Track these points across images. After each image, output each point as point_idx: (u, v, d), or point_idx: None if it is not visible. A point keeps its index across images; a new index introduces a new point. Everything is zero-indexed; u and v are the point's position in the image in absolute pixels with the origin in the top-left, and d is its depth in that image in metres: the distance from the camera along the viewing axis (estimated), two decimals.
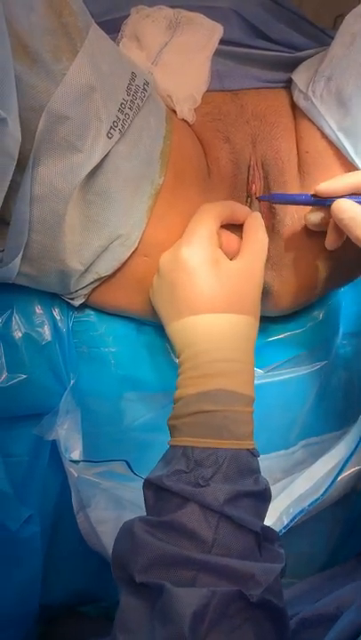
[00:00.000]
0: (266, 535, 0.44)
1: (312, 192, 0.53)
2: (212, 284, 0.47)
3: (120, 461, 0.59)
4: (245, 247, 0.49)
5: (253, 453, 0.46)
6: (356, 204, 0.49)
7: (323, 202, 0.51)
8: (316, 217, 0.53)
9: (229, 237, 0.51)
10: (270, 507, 0.63)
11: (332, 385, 0.69)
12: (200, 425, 0.44)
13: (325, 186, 0.51)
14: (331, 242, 0.54)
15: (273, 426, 0.68)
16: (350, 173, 0.52)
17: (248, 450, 0.45)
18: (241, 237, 0.53)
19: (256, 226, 0.50)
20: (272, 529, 0.45)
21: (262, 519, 0.45)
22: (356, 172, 0.52)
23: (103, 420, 0.61)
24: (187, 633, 0.37)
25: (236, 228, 0.54)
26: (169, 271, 0.49)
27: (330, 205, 0.50)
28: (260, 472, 0.46)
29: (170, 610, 0.39)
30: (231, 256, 0.51)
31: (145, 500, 0.45)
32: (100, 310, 0.59)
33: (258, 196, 0.56)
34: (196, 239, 0.48)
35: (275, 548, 0.44)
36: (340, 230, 0.53)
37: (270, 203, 0.55)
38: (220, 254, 0.48)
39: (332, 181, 0.51)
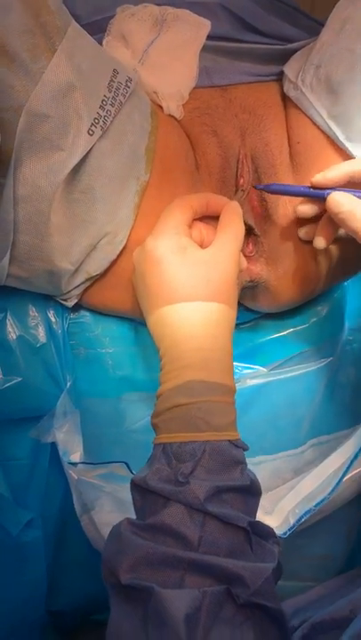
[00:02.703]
0: (257, 531, 0.42)
1: (308, 184, 0.51)
2: (178, 273, 0.45)
3: (120, 463, 0.58)
4: (218, 235, 0.48)
5: (237, 444, 0.44)
6: (353, 197, 0.48)
7: (321, 194, 0.50)
8: (307, 208, 0.52)
9: (206, 228, 0.50)
10: (277, 507, 0.62)
11: (340, 381, 0.67)
12: (176, 420, 0.43)
13: (321, 176, 0.49)
14: (321, 240, 0.52)
15: (280, 425, 0.67)
16: (345, 162, 0.50)
17: (229, 441, 0.43)
18: None
19: (230, 214, 0.49)
20: (264, 524, 0.43)
21: (251, 514, 0.43)
22: (350, 160, 0.51)
23: (103, 422, 0.61)
24: (183, 638, 0.36)
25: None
26: (139, 264, 0.48)
27: (325, 198, 0.49)
28: (245, 463, 0.44)
29: (162, 614, 0.37)
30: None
31: (133, 502, 0.44)
32: (96, 311, 0.59)
33: (253, 184, 0.54)
34: (161, 229, 0.47)
35: (268, 545, 0.42)
36: (332, 227, 0.51)
37: (266, 192, 0.54)
38: (189, 243, 0.47)
39: (327, 171, 0.49)
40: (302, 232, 0.55)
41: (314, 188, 0.50)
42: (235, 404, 0.46)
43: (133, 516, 0.45)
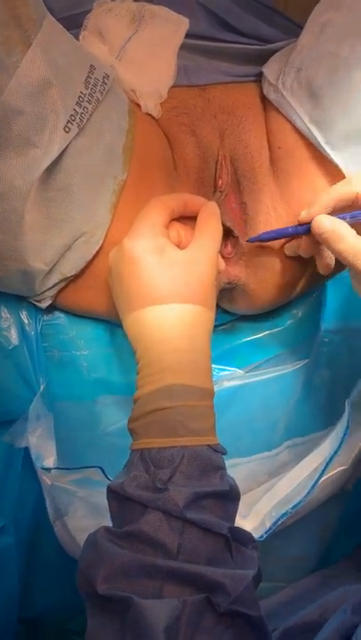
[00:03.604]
0: (237, 537, 0.41)
1: (290, 194, 0.53)
2: (155, 274, 0.45)
3: (95, 468, 0.56)
4: (195, 236, 0.48)
5: (216, 449, 0.43)
6: (334, 218, 0.48)
7: (306, 229, 0.51)
8: (292, 248, 0.53)
9: (183, 229, 0.49)
10: (253, 510, 0.62)
11: (315, 383, 0.67)
12: (154, 424, 0.42)
13: (305, 213, 0.50)
14: (323, 265, 0.54)
15: (256, 427, 0.67)
16: (323, 194, 0.50)
17: (209, 445, 0.43)
18: None
19: (208, 214, 0.49)
20: (244, 530, 0.42)
21: (230, 520, 0.43)
22: (331, 188, 0.50)
23: (78, 426, 0.59)
24: None
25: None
26: (115, 265, 0.47)
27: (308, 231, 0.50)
28: (225, 469, 0.44)
29: (141, 625, 0.36)
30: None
31: (109, 509, 0.43)
32: (70, 313, 0.58)
33: (245, 240, 0.55)
34: (138, 230, 0.46)
35: (247, 551, 0.41)
36: (316, 244, 0.52)
37: (261, 242, 0.54)
38: (167, 244, 0.46)
39: (310, 208, 0.50)
40: (288, 250, 0.55)
41: (300, 224, 0.51)
42: (214, 407, 0.46)
43: (108, 522, 0.44)
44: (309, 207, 0.50)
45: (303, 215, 0.50)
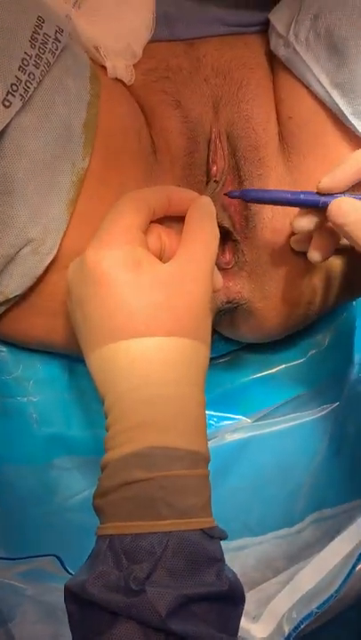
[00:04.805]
0: None
1: (304, 177, 0.52)
2: (129, 297, 0.44)
3: (49, 557, 0.57)
4: (183, 244, 0.48)
5: (211, 534, 0.43)
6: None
7: (315, 202, 0.50)
8: (307, 222, 0.52)
9: (167, 234, 0.50)
10: (267, 610, 0.62)
11: (347, 435, 0.68)
12: (128, 502, 0.42)
13: (329, 179, 0.49)
14: (317, 253, 0.52)
15: (269, 495, 0.67)
16: (352, 156, 0.50)
17: (202, 530, 0.42)
18: None
19: (199, 214, 0.49)
20: None
21: (231, 630, 0.42)
22: (357, 152, 0.51)
23: (27, 498, 0.60)
24: None
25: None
26: (76, 285, 0.47)
27: (324, 207, 0.49)
28: (223, 560, 0.44)
29: None
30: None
31: (68, 616, 0.43)
32: (15, 345, 0.58)
33: (224, 192, 0.54)
34: (107, 236, 0.46)
35: None
36: (332, 238, 0.52)
37: (243, 201, 0.54)
38: (145, 255, 0.46)
39: (337, 172, 0.49)
40: (294, 241, 0.55)
41: (319, 193, 0.50)
42: (209, 476, 0.45)
43: (67, 628, 0.43)
44: (334, 173, 0.49)
45: (326, 182, 0.49)
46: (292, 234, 0.55)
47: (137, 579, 0.40)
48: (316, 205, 0.50)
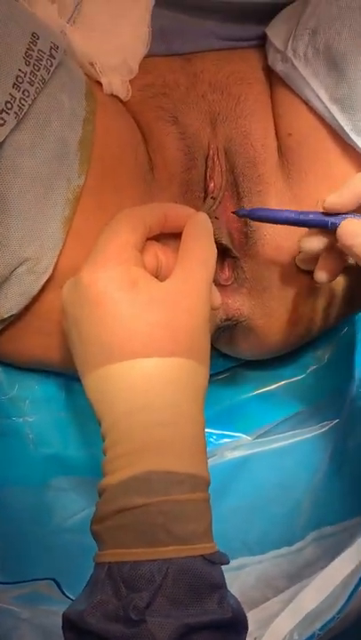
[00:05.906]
0: None
1: (305, 193, 0.53)
2: (126, 318, 0.44)
3: (46, 580, 0.57)
4: (180, 261, 0.47)
5: (213, 560, 0.42)
6: None
7: (324, 222, 0.50)
8: (315, 243, 0.51)
9: (163, 252, 0.50)
10: (268, 631, 0.61)
11: (348, 452, 0.68)
12: (126, 528, 0.41)
13: (336, 197, 0.49)
14: (323, 274, 0.52)
15: (270, 514, 0.67)
16: (356, 177, 0.50)
17: (203, 556, 0.42)
18: None
19: (197, 231, 0.48)
20: None
21: None
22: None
23: (23, 519, 0.60)
24: None
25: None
26: (71, 305, 0.47)
27: (333, 229, 0.49)
28: (225, 587, 0.43)
29: None
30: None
31: None
32: (11, 364, 0.58)
33: (231, 211, 0.54)
34: (102, 256, 0.46)
35: None
36: (340, 258, 0.52)
37: (250, 219, 0.54)
38: (141, 274, 0.46)
39: (343, 192, 0.48)
40: (300, 260, 0.55)
41: (325, 213, 0.50)
42: (210, 500, 0.45)
43: None
44: (339, 192, 0.49)
45: (332, 201, 0.49)
46: (295, 251, 0.55)
47: (137, 608, 0.39)
48: (325, 226, 0.50)
